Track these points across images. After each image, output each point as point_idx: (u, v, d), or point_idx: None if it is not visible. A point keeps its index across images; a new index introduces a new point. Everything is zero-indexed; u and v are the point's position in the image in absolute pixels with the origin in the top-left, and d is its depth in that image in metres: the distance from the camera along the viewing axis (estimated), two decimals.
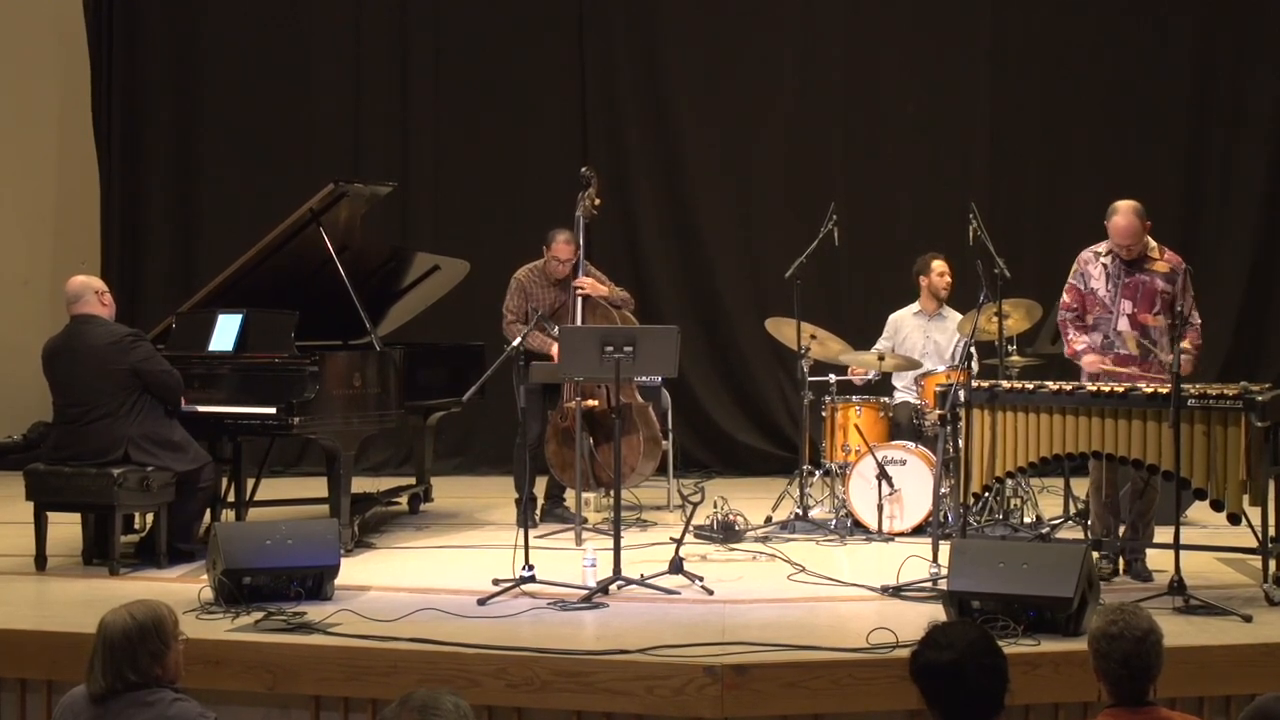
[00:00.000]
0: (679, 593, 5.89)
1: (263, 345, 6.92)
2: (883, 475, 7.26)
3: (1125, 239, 6.26)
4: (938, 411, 6.43)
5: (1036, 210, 10.01)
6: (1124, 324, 6.30)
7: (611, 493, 6.66)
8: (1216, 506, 5.70)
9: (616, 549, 6.02)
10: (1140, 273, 6.31)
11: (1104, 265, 6.37)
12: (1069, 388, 5.97)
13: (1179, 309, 6.19)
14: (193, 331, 7.07)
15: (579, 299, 7.72)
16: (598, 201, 7.93)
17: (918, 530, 7.24)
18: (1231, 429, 5.62)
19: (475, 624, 5.34)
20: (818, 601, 5.86)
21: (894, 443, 7.56)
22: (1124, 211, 6.27)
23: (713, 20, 10.25)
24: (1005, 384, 6.16)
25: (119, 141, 10.52)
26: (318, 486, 7.45)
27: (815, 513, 7.66)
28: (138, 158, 10.58)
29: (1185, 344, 6.10)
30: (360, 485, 7.62)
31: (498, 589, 5.82)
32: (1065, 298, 6.51)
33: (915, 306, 8.23)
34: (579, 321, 7.68)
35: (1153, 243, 6.36)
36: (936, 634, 3.31)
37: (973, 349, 7.09)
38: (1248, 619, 5.32)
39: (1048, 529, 7.14)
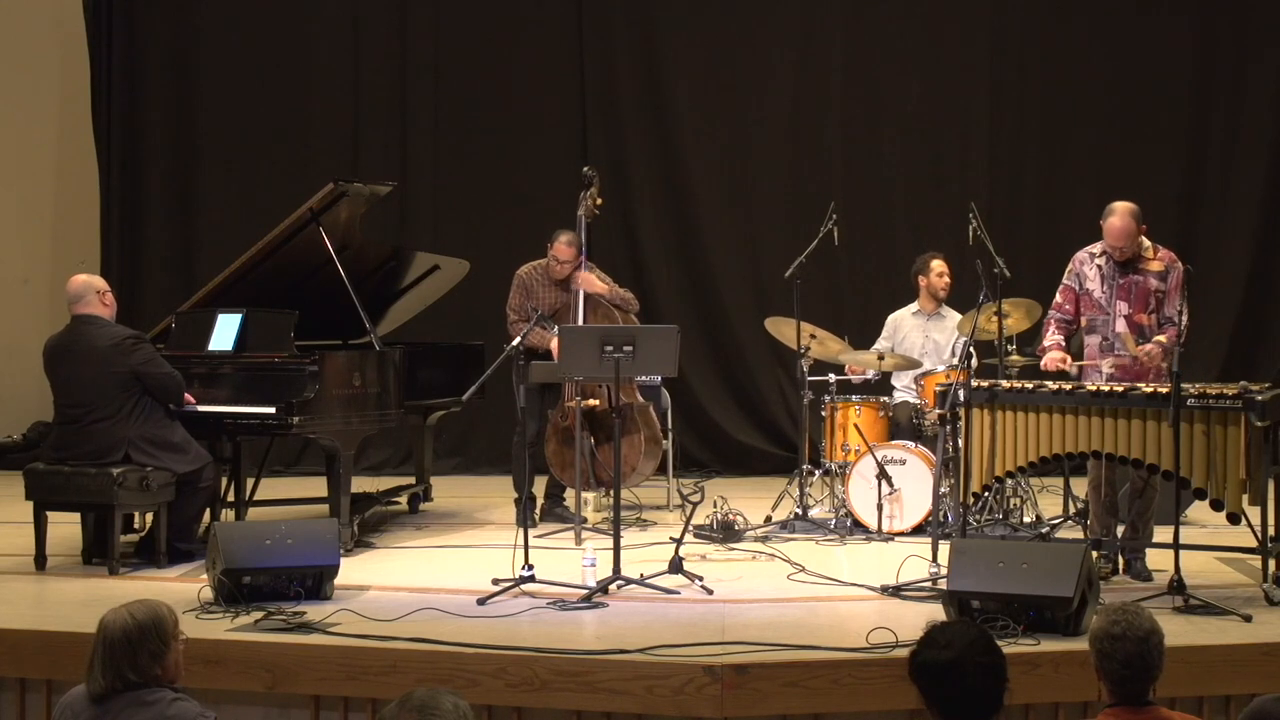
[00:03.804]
0: (679, 592, 5.89)
1: (262, 345, 6.92)
2: (882, 475, 7.26)
3: (1119, 240, 6.25)
4: (937, 411, 6.43)
5: (1036, 210, 10.02)
6: (1121, 325, 6.30)
7: (611, 492, 6.66)
8: (1216, 506, 5.69)
9: (616, 549, 6.02)
10: (1134, 273, 6.31)
11: (1099, 266, 6.37)
12: (1069, 387, 5.97)
13: (1177, 307, 6.19)
14: (192, 331, 7.07)
15: (580, 295, 7.72)
16: (599, 201, 7.93)
17: (917, 530, 7.25)
18: (1231, 429, 5.62)
19: (475, 624, 5.34)
20: (818, 601, 5.86)
21: (894, 442, 7.56)
22: (1120, 213, 6.26)
23: (713, 20, 10.25)
24: (1005, 384, 6.16)
25: (118, 141, 10.53)
26: (318, 486, 7.45)
27: (815, 512, 7.67)
28: (137, 157, 10.58)
29: (1161, 337, 6.12)
30: (360, 485, 7.62)
31: (497, 589, 5.82)
32: (1058, 298, 6.50)
33: (914, 306, 8.23)
34: (581, 314, 7.69)
35: (1146, 242, 6.34)
36: (935, 633, 3.31)
37: (972, 348, 7.09)
38: (1248, 619, 5.32)
39: (1048, 529, 7.14)
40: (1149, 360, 6.14)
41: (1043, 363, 6.41)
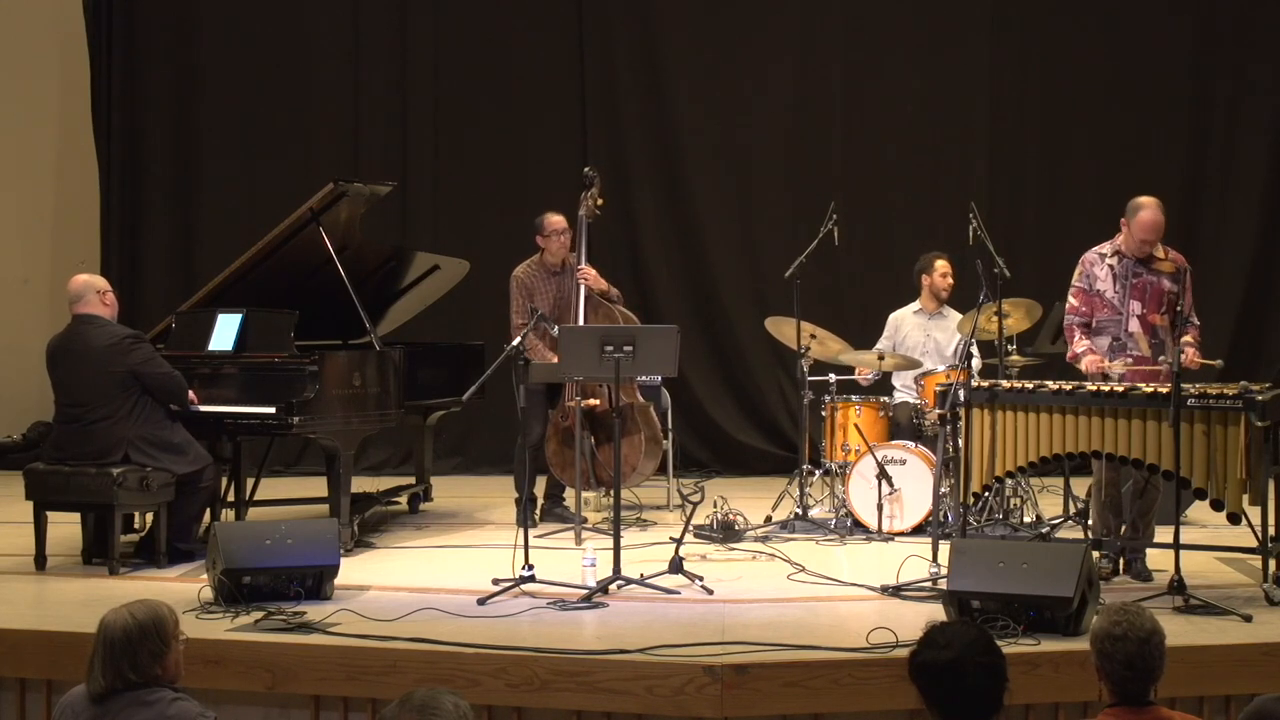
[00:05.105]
0: (679, 592, 5.89)
1: (262, 345, 6.92)
2: (883, 475, 7.26)
3: (1152, 233, 6.21)
4: (938, 411, 6.42)
5: (1036, 210, 10.02)
6: (1135, 325, 6.29)
7: (611, 492, 6.66)
8: (1216, 506, 5.69)
9: (616, 549, 6.02)
10: (1148, 273, 6.29)
11: (1110, 266, 6.35)
12: (1069, 387, 5.96)
13: (1179, 309, 6.19)
14: (192, 331, 7.07)
15: (581, 293, 7.72)
16: (600, 201, 7.93)
17: (918, 530, 7.25)
18: (1231, 428, 5.61)
19: (475, 624, 5.34)
20: (818, 601, 5.85)
21: (894, 442, 7.56)
22: (1151, 206, 6.22)
23: (713, 20, 10.25)
24: (1005, 384, 6.16)
25: (119, 141, 10.53)
26: (318, 486, 7.45)
27: (815, 512, 7.67)
28: (137, 157, 10.59)
29: (1188, 338, 6.12)
30: (360, 485, 7.62)
31: (497, 589, 5.82)
32: (1073, 301, 6.44)
33: (915, 305, 8.23)
34: (581, 314, 7.69)
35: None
36: (935, 633, 3.31)
37: (973, 348, 7.08)
38: (1248, 619, 5.32)
39: (1048, 529, 7.13)
40: (1193, 363, 6.08)
41: (1083, 366, 6.33)
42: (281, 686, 5.00)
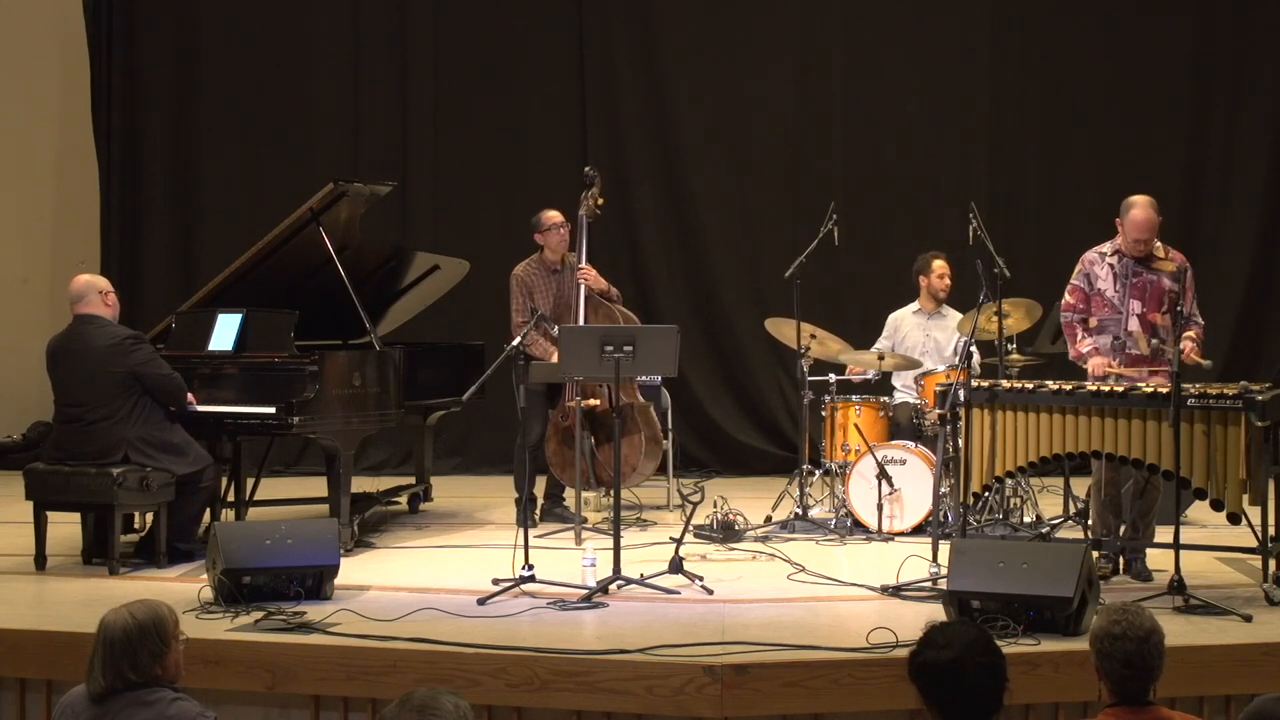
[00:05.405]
0: (679, 592, 5.90)
1: (262, 345, 6.92)
2: (883, 475, 7.26)
3: (1144, 232, 6.22)
4: (938, 411, 6.43)
5: (1036, 210, 10.02)
6: (1134, 324, 6.29)
7: (611, 492, 6.66)
8: (1216, 506, 5.69)
9: (616, 549, 6.02)
10: (1148, 272, 6.30)
11: (1110, 265, 6.35)
12: (1069, 387, 5.97)
13: (1180, 308, 6.19)
14: (192, 331, 7.07)
15: (581, 293, 7.72)
16: (601, 201, 7.94)
17: (918, 530, 7.25)
18: (1231, 429, 5.62)
19: (475, 624, 5.34)
20: (818, 601, 5.86)
21: (894, 442, 7.56)
22: (1141, 205, 6.24)
23: (713, 20, 10.25)
24: (1005, 384, 6.16)
25: (119, 141, 10.53)
26: (318, 486, 7.45)
27: (815, 512, 7.67)
28: (137, 157, 10.58)
29: (1190, 333, 6.12)
30: (360, 485, 7.62)
31: (497, 589, 5.82)
32: (1069, 299, 6.46)
33: (915, 305, 8.23)
34: (581, 314, 7.69)
35: (1158, 241, 6.35)
36: (935, 633, 3.31)
37: (973, 348, 7.08)
38: (1248, 619, 5.32)
39: (1048, 529, 7.14)
40: (1188, 359, 6.09)
41: (1090, 367, 6.30)
42: (281, 686, 5.00)
